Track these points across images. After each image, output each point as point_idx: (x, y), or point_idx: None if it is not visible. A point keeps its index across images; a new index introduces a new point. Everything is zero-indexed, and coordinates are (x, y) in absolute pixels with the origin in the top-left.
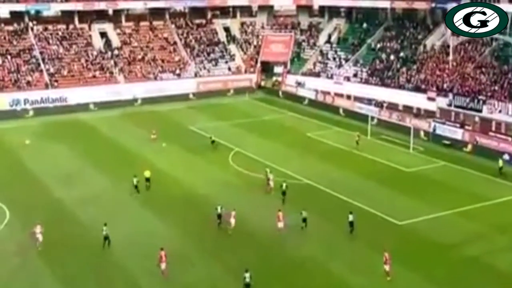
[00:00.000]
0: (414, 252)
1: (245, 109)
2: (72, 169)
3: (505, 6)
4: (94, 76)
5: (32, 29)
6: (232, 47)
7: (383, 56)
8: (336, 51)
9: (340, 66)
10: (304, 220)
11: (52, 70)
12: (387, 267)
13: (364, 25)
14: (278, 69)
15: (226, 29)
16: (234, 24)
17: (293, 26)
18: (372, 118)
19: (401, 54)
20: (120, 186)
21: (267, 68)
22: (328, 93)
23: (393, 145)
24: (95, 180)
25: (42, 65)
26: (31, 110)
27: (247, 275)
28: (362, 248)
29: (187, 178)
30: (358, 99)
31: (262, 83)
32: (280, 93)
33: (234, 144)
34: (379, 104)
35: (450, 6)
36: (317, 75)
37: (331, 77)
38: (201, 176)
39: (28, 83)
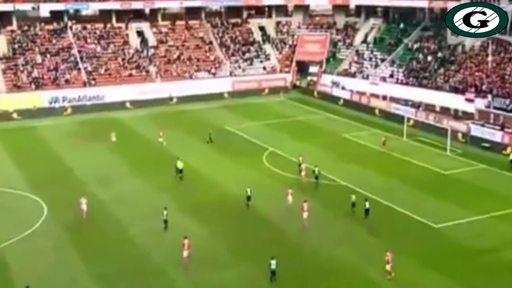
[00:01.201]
0: (450, 256)
1: (280, 109)
2: (109, 167)
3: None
4: (130, 75)
5: (71, 28)
6: (267, 47)
7: (420, 56)
8: (372, 51)
9: (376, 66)
10: (354, 204)
11: (89, 68)
12: (388, 267)
13: (401, 25)
14: (313, 69)
15: (262, 29)
16: (269, 24)
17: (329, 26)
18: (408, 119)
19: (439, 54)
20: (155, 185)
21: (302, 68)
22: (364, 93)
23: (430, 147)
24: (131, 179)
25: (80, 64)
26: (69, 108)
27: (273, 262)
28: (396, 251)
29: (220, 177)
30: (394, 100)
31: (297, 83)
32: (315, 93)
33: (268, 144)
34: (416, 105)
35: None
36: (353, 75)
37: (367, 78)
38: (235, 176)
39: (67, 81)
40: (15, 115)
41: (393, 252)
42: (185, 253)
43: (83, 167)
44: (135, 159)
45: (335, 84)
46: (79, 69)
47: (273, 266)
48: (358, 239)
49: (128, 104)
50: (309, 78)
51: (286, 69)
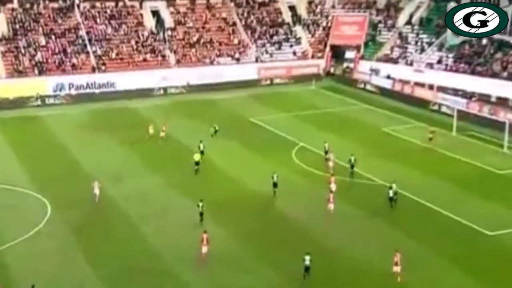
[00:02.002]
0: (507, 268)
1: (312, 99)
2: (119, 162)
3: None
4: (144, 60)
5: (78, 6)
6: (298, 29)
7: (473, 39)
8: (417, 34)
9: (422, 51)
10: (395, 194)
11: (99, 52)
12: (397, 269)
13: (451, 3)
14: (349, 54)
15: (292, 9)
16: (300, 3)
17: (368, 5)
18: (459, 111)
19: (496, 37)
20: (169, 181)
21: (337, 53)
22: (407, 82)
23: (484, 142)
24: (145, 175)
25: (88, 47)
26: (76, 96)
27: (307, 258)
28: (445, 261)
29: (242, 175)
30: (442, 89)
31: (331, 70)
32: (352, 81)
33: (298, 139)
34: (468, 96)
35: None
36: (395, 61)
37: (411, 64)
38: (261, 174)
39: (73, 66)
40: (16, 103)
41: (440, 261)
42: (204, 249)
43: (91, 161)
44: (148, 153)
45: (375, 71)
46: (88, 52)
47: (307, 262)
48: (391, 242)
49: (142, 92)
50: (345, 64)
51: (319, 55)
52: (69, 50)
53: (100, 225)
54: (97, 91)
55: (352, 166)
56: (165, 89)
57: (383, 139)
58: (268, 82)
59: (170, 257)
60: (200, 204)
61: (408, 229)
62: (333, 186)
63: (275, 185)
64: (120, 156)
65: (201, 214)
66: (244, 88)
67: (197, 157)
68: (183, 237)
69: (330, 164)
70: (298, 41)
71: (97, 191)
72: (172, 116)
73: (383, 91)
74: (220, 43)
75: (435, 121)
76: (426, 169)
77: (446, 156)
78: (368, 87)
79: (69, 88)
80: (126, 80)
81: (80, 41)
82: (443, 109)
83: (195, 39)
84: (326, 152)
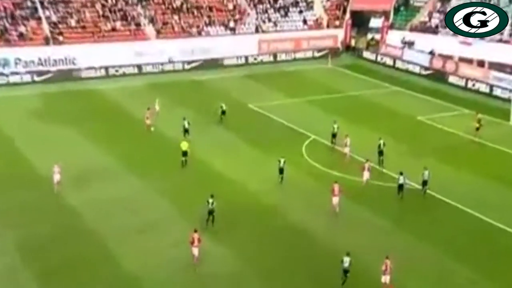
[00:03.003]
0: None
1: (327, 81)
2: (85, 162)
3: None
4: (113, 29)
5: None
6: None
7: None
8: None
9: None
10: (425, 183)
11: (54, 18)
12: (386, 279)
13: None
14: (375, 22)
15: None
16: None
17: None
18: None
19: None
20: (154, 186)
21: (359, 21)
22: (450, 57)
23: None
24: (119, 178)
25: (40, 11)
26: (26, 75)
27: (347, 259)
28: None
29: (244, 177)
30: (495, 66)
31: (352, 43)
32: (378, 57)
33: (310, 130)
34: None
35: None
36: (434, 31)
37: (455, 34)
38: (264, 175)
39: (21, 35)
40: None
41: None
42: (195, 251)
43: (46, 160)
44: (123, 149)
45: (408, 44)
46: (39, 18)
47: (346, 264)
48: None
49: (110, 72)
50: (369, 35)
51: (336, 23)
52: (16, 14)
53: (58, 243)
54: (52, 68)
55: (381, 153)
56: (139, 67)
57: (417, 131)
58: (272, 58)
59: (152, 284)
60: (210, 200)
61: (457, 251)
62: (335, 200)
63: (281, 171)
64: (85, 154)
65: (211, 213)
66: (241, 66)
67: (184, 145)
68: (170, 258)
69: (346, 150)
70: (309, 5)
71: (57, 177)
72: (151, 102)
73: (418, 69)
74: (210, 8)
75: (485, 107)
76: (471, 167)
77: (500, 152)
78: (399, 64)
79: (15, 65)
80: (89, 55)
81: (29, 3)
82: (497, 91)
83: (178, 2)
84: (334, 135)
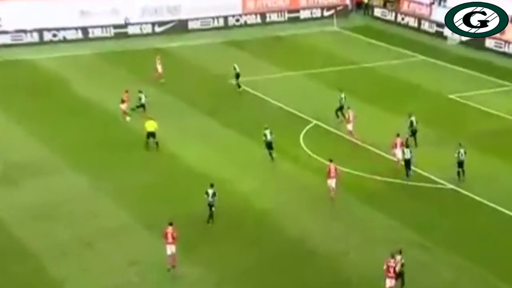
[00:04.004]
0: None
1: (332, 48)
2: (16, 152)
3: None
4: None
5: None
6: None
7: None
8: None
9: None
10: (461, 164)
11: None
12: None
13: None
14: None
15: None
16: None
17: None
18: None
19: None
20: (104, 186)
21: None
22: None
23: None
24: (56, 175)
25: None
26: None
27: (400, 258)
28: None
29: (227, 176)
30: None
31: None
32: (399, 17)
33: (310, 113)
34: None
35: None
36: None
37: None
38: (253, 173)
39: None
40: None
41: None
42: (171, 249)
43: None
44: (63, 136)
45: None
46: None
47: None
48: None
49: (47, 36)
50: None
51: None
52: None
53: None
54: None
55: (414, 132)
56: (85, 30)
57: (450, 112)
58: (259, 20)
59: None
60: (210, 191)
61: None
62: (332, 182)
63: (269, 145)
64: (13, 143)
65: (211, 207)
66: (220, 30)
67: (151, 125)
68: (126, 281)
69: (349, 127)
70: None
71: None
72: (104, 76)
73: (451, 33)
74: None
75: None
76: None
77: None
78: (426, 26)
79: None
80: (16, 14)
81: None
82: None
83: None
84: (340, 108)
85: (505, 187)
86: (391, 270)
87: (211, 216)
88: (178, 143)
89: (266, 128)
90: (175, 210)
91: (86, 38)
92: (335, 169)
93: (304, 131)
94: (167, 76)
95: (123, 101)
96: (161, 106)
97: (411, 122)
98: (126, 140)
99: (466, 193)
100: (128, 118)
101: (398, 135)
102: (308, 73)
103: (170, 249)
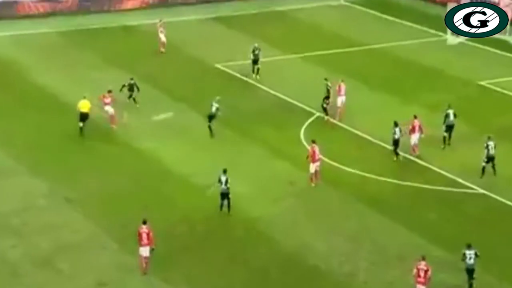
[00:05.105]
0: None
1: (337, 26)
2: None
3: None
4: None
5: None
6: None
7: None
8: None
9: None
10: (490, 160)
11: None
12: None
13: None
14: None
15: None
16: None
17: None
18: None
19: None
20: (61, 191)
21: None
22: None
23: None
24: (13, 180)
25: None
26: None
27: (471, 253)
28: None
29: (211, 179)
30: None
31: None
32: None
33: (312, 104)
34: None
35: None
36: None
37: None
38: (242, 174)
39: None
40: None
41: None
42: (144, 251)
43: None
44: (20, 133)
45: None
46: None
47: (471, 261)
48: None
49: None
50: None
51: None
52: None
53: None
54: None
55: (450, 127)
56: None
57: (478, 101)
58: None
59: None
60: (223, 178)
61: None
62: (315, 168)
63: (210, 118)
64: None
65: (224, 196)
66: (204, 4)
67: (84, 105)
68: None
69: (339, 103)
70: None
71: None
72: (66, 58)
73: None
74: None
75: None
76: None
77: None
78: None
79: None
80: None
81: None
82: None
83: None
84: (327, 94)
85: None
86: (422, 274)
87: (228, 205)
88: (153, 139)
89: (218, 101)
90: (149, 219)
91: (48, 13)
92: (319, 151)
93: (305, 125)
94: (141, 59)
95: (105, 104)
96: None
97: (447, 115)
98: (92, 138)
99: (500, 199)
100: (125, 116)
101: (415, 117)
102: (310, 55)
103: (145, 251)
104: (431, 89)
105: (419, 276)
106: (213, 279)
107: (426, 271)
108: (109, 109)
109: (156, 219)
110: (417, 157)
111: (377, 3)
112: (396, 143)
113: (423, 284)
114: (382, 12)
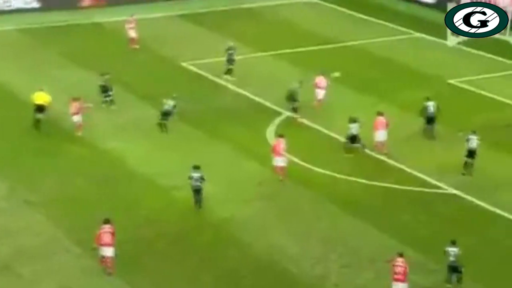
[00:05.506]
0: None
1: (310, 23)
2: None
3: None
4: None
5: None
6: None
7: None
8: None
9: None
10: (471, 154)
11: None
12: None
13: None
14: None
15: None
16: None
17: None
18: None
19: None
20: (20, 193)
21: None
22: None
23: None
24: None
25: None
26: None
27: (453, 250)
28: None
29: (177, 181)
30: None
31: None
32: None
33: (281, 103)
34: None
35: None
36: None
37: None
38: (210, 177)
39: None
40: None
41: None
42: (108, 251)
43: None
44: None
45: None
46: None
47: (452, 258)
48: None
49: None
50: None
51: None
52: None
53: None
54: None
55: (430, 120)
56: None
57: (450, 101)
58: None
59: None
60: (195, 175)
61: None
62: (281, 162)
63: (165, 115)
64: None
65: (197, 191)
66: (171, 0)
67: (40, 98)
68: None
69: (320, 95)
70: None
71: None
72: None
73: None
74: None
75: None
76: None
77: None
78: None
79: None
80: None
81: None
82: None
83: None
84: (291, 98)
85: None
86: (399, 271)
87: (200, 202)
88: (118, 139)
89: (174, 98)
90: (115, 222)
91: (5, 10)
92: (285, 145)
93: (275, 124)
94: (107, 57)
95: (73, 114)
96: (96, 93)
97: (426, 108)
98: (54, 138)
99: (472, 199)
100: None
101: (380, 114)
102: (281, 53)
103: (108, 251)
104: (404, 87)
105: (396, 273)
106: (180, 283)
107: (404, 268)
108: (76, 118)
109: (122, 221)
110: (388, 156)
111: (347, 1)
112: (352, 139)
113: (402, 281)
114: (353, 10)
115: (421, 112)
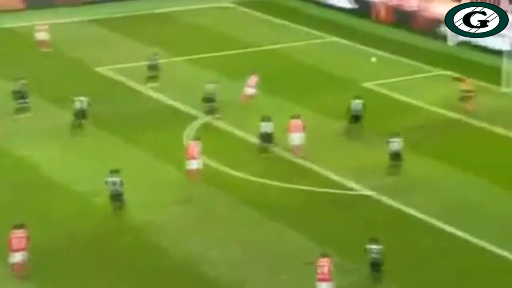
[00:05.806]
0: None
1: (226, 28)
2: None
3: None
4: None
5: None
6: None
7: None
8: None
9: None
10: (395, 156)
11: None
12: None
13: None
14: None
15: None
16: None
17: None
18: None
19: None
20: None
21: None
22: None
23: None
24: None
25: None
26: None
27: (376, 247)
28: None
29: (93, 187)
30: None
31: None
32: None
33: (196, 108)
34: None
35: None
36: None
37: None
38: (129, 182)
39: None
40: None
41: None
42: (19, 256)
43: None
44: None
45: None
46: None
47: (375, 255)
48: None
49: None
50: None
51: None
52: None
53: None
54: None
55: (356, 118)
56: None
57: (366, 104)
58: None
59: None
60: (111, 180)
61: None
62: (195, 164)
63: (77, 115)
64: None
65: (116, 197)
66: (82, 6)
67: None
68: None
69: (250, 91)
70: None
71: None
72: None
73: (364, 9)
74: None
75: (471, 65)
76: (452, 161)
77: (495, 134)
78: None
79: None
80: None
81: None
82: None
83: None
84: (209, 100)
85: (442, 195)
86: (323, 271)
87: (118, 206)
88: (30, 146)
89: (85, 98)
90: (29, 230)
91: None
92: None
93: (191, 128)
94: (10, 62)
95: None
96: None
97: (353, 105)
98: None
99: (389, 201)
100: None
101: (294, 117)
102: (197, 58)
103: (19, 256)
104: (320, 90)
105: (320, 273)
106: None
107: (328, 267)
108: None
109: (36, 229)
110: (304, 159)
111: (264, 5)
112: (264, 137)
113: (326, 280)
114: (269, 14)
115: (347, 111)
